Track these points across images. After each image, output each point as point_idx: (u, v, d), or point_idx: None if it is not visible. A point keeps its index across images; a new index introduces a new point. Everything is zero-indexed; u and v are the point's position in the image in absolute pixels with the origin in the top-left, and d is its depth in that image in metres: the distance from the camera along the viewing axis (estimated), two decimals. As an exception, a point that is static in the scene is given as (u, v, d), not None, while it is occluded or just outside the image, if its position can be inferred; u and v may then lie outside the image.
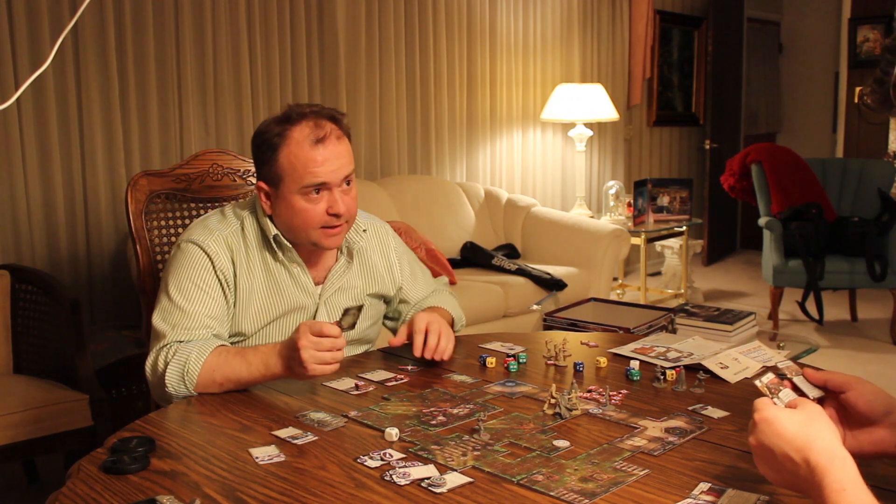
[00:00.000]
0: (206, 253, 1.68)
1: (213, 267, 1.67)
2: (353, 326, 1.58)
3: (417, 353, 1.68)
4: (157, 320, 1.64)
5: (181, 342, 1.60)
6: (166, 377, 1.56)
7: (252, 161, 2.15)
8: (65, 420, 2.56)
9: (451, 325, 1.87)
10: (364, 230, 1.85)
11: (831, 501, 0.87)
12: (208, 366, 1.55)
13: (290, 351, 1.50)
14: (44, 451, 2.58)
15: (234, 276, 1.70)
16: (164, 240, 2.03)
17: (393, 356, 1.80)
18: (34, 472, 2.92)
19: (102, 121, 3.43)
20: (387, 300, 1.95)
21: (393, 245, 1.93)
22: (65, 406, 2.56)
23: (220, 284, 1.68)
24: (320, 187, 1.65)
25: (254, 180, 2.15)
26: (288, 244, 1.72)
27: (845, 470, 0.89)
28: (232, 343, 1.72)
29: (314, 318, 1.78)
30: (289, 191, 1.65)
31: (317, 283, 1.79)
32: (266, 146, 1.66)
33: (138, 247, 1.98)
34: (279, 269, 1.73)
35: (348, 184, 1.69)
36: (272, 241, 1.71)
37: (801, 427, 0.93)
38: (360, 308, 1.60)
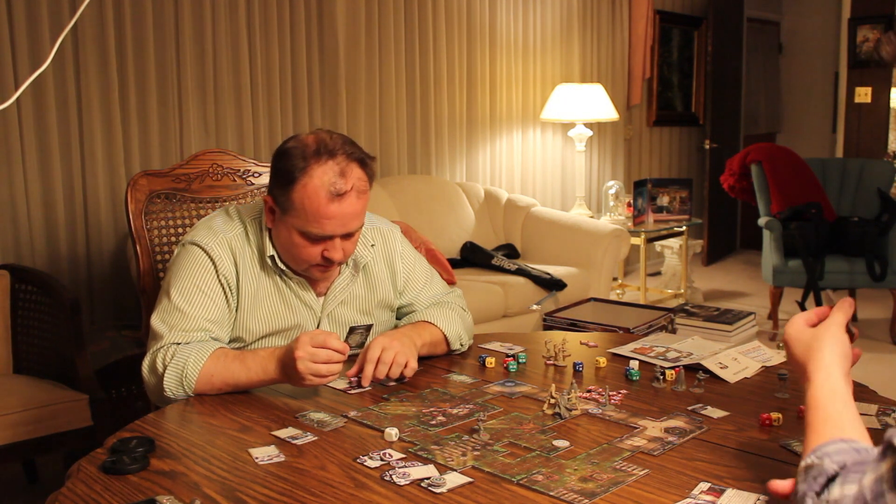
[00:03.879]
0: (209, 255, 1.65)
1: (216, 270, 1.65)
2: (361, 345, 1.57)
3: (365, 382, 1.58)
4: (156, 321, 1.62)
5: (178, 344, 1.59)
6: (164, 381, 1.54)
7: (253, 160, 2.18)
8: (65, 420, 2.56)
9: (447, 343, 1.78)
10: (372, 245, 1.81)
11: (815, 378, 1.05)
12: (206, 370, 1.54)
13: (288, 359, 1.49)
14: (44, 451, 2.58)
15: (238, 280, 1.67)
16: (164, 240, 2.03)
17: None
18: (34, 472, 2.92)
19: (102, 121, 3.43)
20: (392, 308, 1.89)
21: (399, 250, 1.86)
22: (65, 406, 2.56)
23: (223, 288, 1.66)
24: (323, 238, 1.60)
25: (254, 180, 2.16)
26: (284, 267, 1.69)
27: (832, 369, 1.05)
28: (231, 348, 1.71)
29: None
30: (291, 223, 1.60)
31: (319, 295, 1.76)
32: (284, 173, 1.58)
33: (138, 247, 1.98)
34: (280, 280, 1.71)
35: (352, 235, 1.64)
36: (268, 260, 1.69)
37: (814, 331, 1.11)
38: (368, 327, 1.59)
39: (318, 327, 1.76)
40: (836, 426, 0.98)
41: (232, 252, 1.68)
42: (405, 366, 1.60)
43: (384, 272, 1.84)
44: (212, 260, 1.65)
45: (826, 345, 1.07)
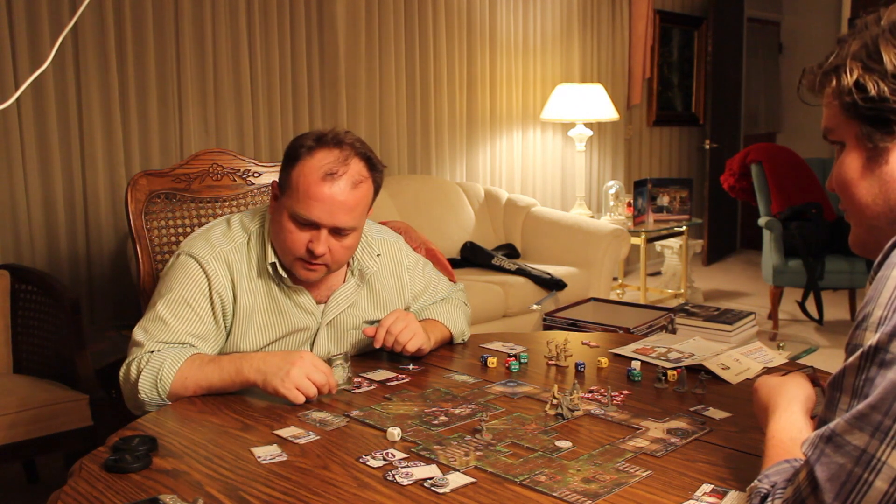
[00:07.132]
0: (204, 270, 1.62)
1: (210, 287, 1.62)
2: (346, 380, 1.55)
3: (377, 344, 1.69)
4: (138, 330, 1.60)
5: (153, 352, 1.56)
6: (139, 384, 1.52)
7: (253, 160, 2.18)
8: (65, 420, 2.55)
9: (451, 338, 1.86)
10: (378, 254, 1.80)
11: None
12: (181, 372, 1.52)
13: (280, 361, 1.48)
14: (44, 451, 2.58)
15: (234, 295, 1.65)
16: (164, 240, 2.03)
17: (395, 357, 1.79)
18: (34, 472, 2.92)
19: (102, 121, 3.43)
20: None
21: (406, 262, 1.87)
22: (65, 406, 2.56)
23: (213, 305, 1.63)
24: (309, 223, 1.58)
25: (254, 180, 2.16)
26: (284, 273, 1.67)
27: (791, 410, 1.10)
28: None
29: (314, 340, 1.75)
30: (285, 206, 1.60)
31: (319, 303, 1.74)
32: (291, 153, 1.61)
33: (138, 247, 1.98)
34: (279, 289, 1.69)
35: (341, 233, 1.61)
36: (269, 268, 1.67)
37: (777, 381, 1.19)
38: (346, 355, 1.57)
39: (315, 335, 1.75)
40: (788, 452, 1.00)
41: (228, 266, 1.65)
42: (407, 343, 1.68)
43: (390, 285, 1.84)
44: (206, 275, 1.62)
45: (791, 386, 1.14)
